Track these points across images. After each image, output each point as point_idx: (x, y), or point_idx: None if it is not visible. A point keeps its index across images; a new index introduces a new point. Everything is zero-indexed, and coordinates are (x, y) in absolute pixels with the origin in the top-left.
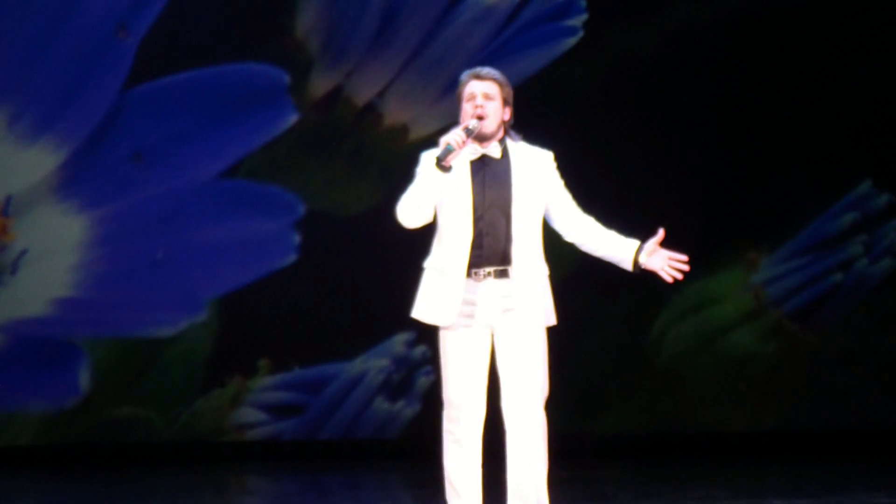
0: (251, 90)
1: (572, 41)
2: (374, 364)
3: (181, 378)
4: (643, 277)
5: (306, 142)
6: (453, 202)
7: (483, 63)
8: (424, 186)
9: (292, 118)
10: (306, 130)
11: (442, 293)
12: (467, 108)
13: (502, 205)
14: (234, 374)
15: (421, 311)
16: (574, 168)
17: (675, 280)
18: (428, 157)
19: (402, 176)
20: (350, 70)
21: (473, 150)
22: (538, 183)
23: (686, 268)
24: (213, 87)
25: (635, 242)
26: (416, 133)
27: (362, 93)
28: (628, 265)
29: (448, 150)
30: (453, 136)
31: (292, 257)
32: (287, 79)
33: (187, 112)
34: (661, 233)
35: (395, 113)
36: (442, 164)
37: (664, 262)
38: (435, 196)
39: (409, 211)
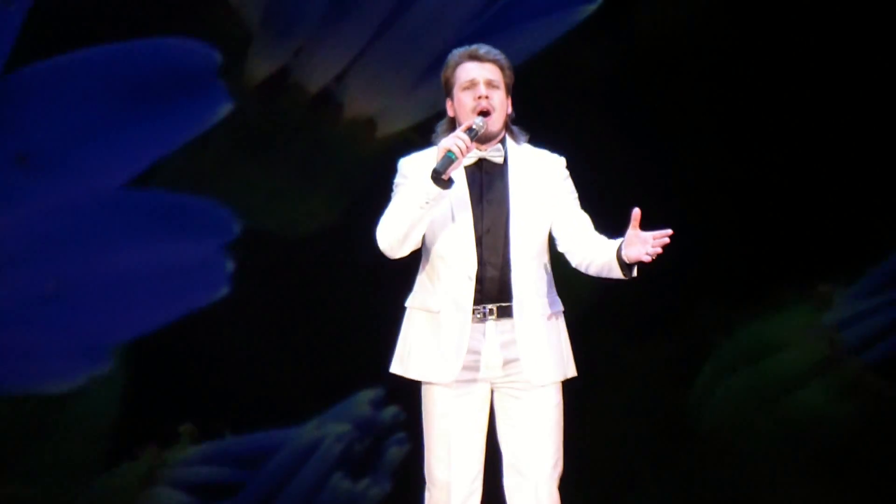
0: (171, 73)
1: (588, 9)
2: (330, 430)
3: (78, 448)
4: (683, 317)
5: (243, 140)
6: (448, 222)
7: (471, 40)
8: (416, 207)
9: (224, 109)
10: (243, 125)
11: (439, 340)
12: (466, 101)
13: (501, 225)
14: (148, 443)
15: (408, 364)
16: (586, 177)
17: (723, 321)
18: (410, 166)
19: (367, 186)
20: (299, 47)
21: (471, 153)
22: (544, 197)
23: (667, 240)
24: (121, 68)
25: (618, 241)
26: (386, 129)
27: (315, 77)
28: (618, 271)
29: (449, 160)
30: (455, 141)
31: (224, 290)
32: (218, 58)
33: (88, 101)
34: (636, 213)
35: (357, 103)
36: (440, 177)
37: (646, 245)
38: (429, 219)
39: (396, 238)
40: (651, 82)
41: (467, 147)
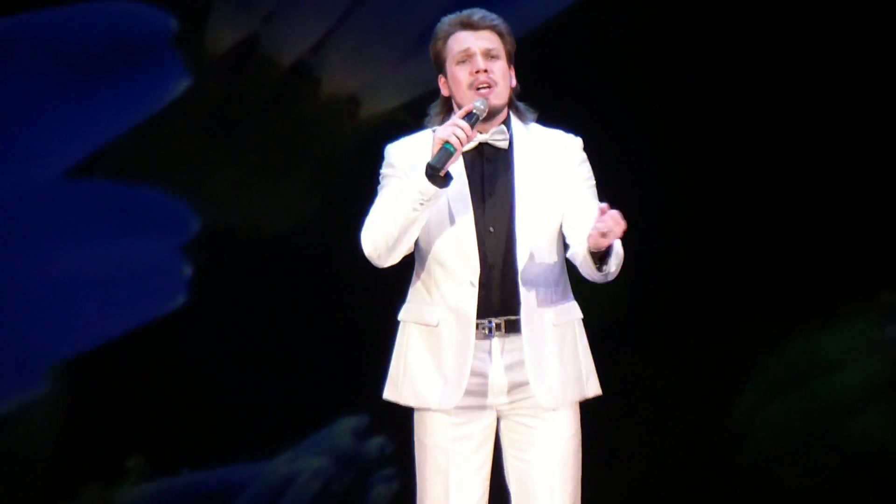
0: (117, 43)
1: None
2: (306, 465)
3: (8, 485)
4: (722, 332)
5: (203, 122)
6: (445, 221)
7: (470, 5)
8: (408, 208)
9: (181, 85)
10: (203, 104)
11: (439, 360)
12: (461, 76)
13: (506, 221)
14: (89, 480)
15: (402, 388)
16: (602, 164)
17: (769, 336)
18: (399, 153)
19: (350, 176)
20: (269, 12)
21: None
22: (557, 186)
23: (618, 221)
24: (60, 37)
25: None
26: (371, 108)
27: (288, 47)
28: (591, 264)
29: (448, 153)
30: (453, 130)
31: (180, 299)
32: (173, 25)
33: (20, 76)
34: (603, 207)
35: (338, 78)
36: (437, 174)
37: (611, 225)
38: (423, 221)
39: (385, 244)
40: (682, 54)
41: (467, 136)
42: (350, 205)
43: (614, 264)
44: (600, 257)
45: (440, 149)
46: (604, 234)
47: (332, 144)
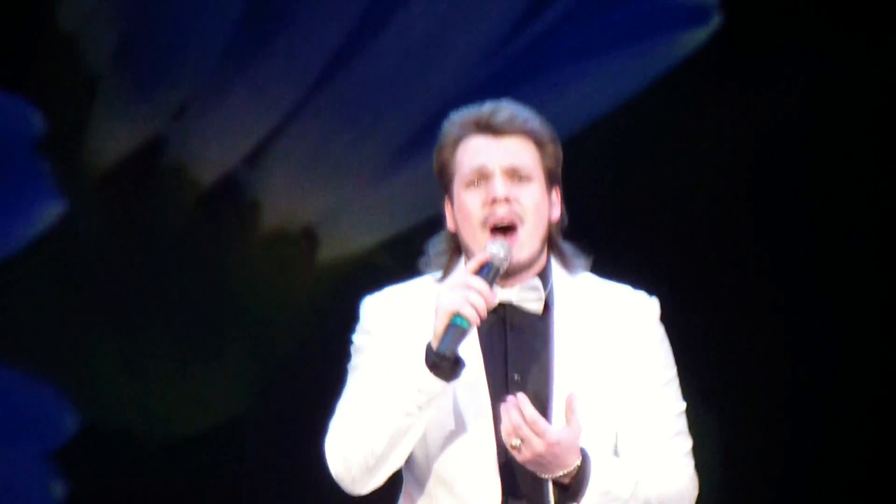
0: None
1: (698, 35)
2: None
3: None
4: None
5: (83, 270)
6: (450, 425)
7: (490, 92)
8: (401, 411)
9: (51, 213)
10: (82, 242)
11: None
12: (471, 206)
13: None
14: None
15: None
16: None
17: None
18: (379, 316)
19: (301, 350)
20: (181, 104)
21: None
22: (618, 377)
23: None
24: None
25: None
26: (333, 247)
27: (210, 156)
28: None
29: (459, 332)
30: (466, 297)
31: None
32: (39, 123)
33: None
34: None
35: (284, 202)
36: (445, 363)
37: (511, 432)
38: (421, 429)
39: (364, 463)
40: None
41: (487, 303)
42: (303, 396)
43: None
44: (563, 487)
45: (447, 326)
46: (513, 447)
47: (275, 303)
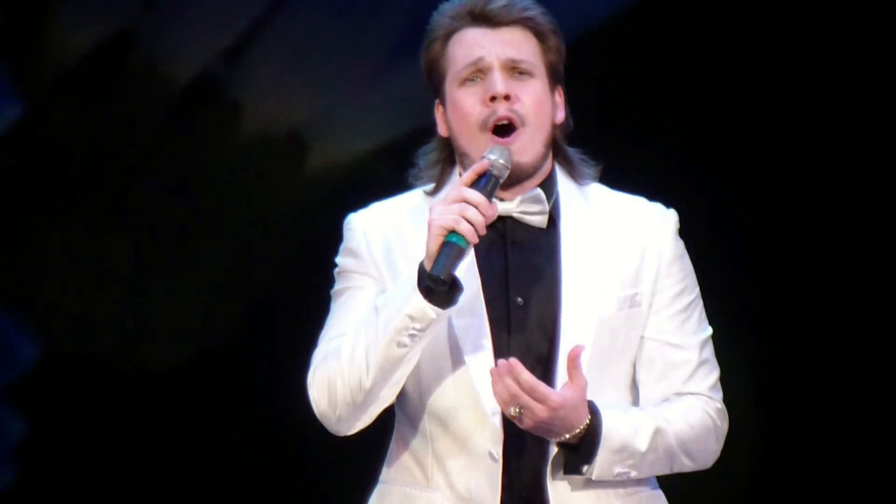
0: None
1: None
2: None
3: None
4: None
5: (44, 175)
6: (447, 355)
7: None
8: (391, 341)
9: (7, 115)
10: (44, 146)
11: None
12: (466, 104)
13: (543, 354)
14: None
15: None
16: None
17: None
18: (366, 234)
19: (285, 266)
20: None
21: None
22: (632, 296)
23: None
24: None
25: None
26: (323, 153)
27: (185, 50)
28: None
29: (455, 251)
30: (460, 211)
31: (6, 474)
32: None
33: None
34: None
35: (267, 103)
36: (440, 286)
37: (506, 398)
38: (414, 360)
39: (351, 398)
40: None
41: (485, 217)
42: (288, 324)
43: (611, 462)
44: (571, 448)
45: (441, 245)
46: (512, 416)
47: (257, 217)
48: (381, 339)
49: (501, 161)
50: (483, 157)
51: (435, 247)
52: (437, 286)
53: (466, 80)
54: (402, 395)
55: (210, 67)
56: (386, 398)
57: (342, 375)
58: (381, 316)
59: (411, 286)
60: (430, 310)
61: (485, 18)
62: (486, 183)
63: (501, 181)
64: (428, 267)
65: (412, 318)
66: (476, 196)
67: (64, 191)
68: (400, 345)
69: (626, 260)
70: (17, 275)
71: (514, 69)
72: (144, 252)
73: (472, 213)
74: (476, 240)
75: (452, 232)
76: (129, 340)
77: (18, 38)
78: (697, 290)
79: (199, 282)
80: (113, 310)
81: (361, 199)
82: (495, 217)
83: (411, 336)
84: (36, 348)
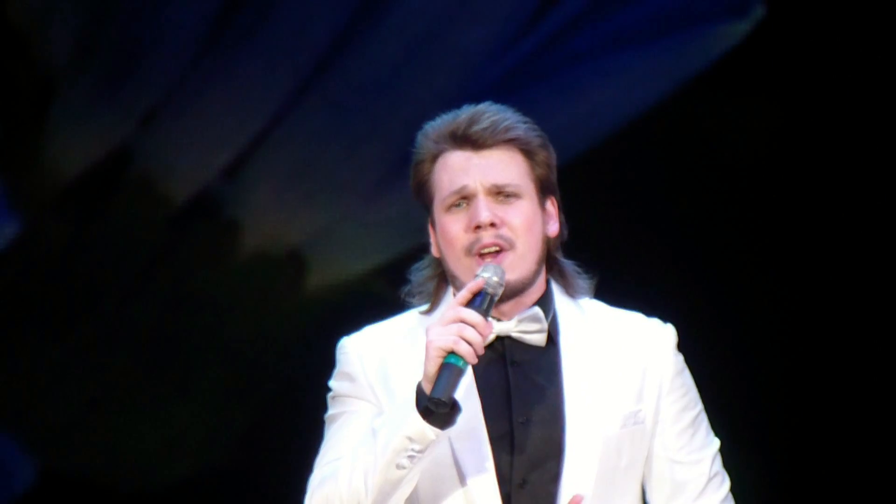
0: None
1: (739, 28)
2: None
3: None
4: None
5: (38, 296)
6: (448, 475)
7: (508, 94)
8: (390, 463)
9: (4, 232)
10: (39, 265)
11: None
12: (452, 230)
13: (548, 470)
14: None
15: None
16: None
17: None
18: (363, 359)
19: (284, 390)
20: (149, 109)
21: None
22: (638, 416)
23: None
24: None
25: None
26: (324, 273)
27: (184, 168)
28: None
29: (454, 372)
30: (459, 332)
31: None
32: None
33: None
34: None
35: (267, 221)
36: (440, 408)
37: None
38: (414, 481)
39: None
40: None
41: (483, 336)
42: (288, 444)
43: None
44: None
45: (439, 368)
46: None
47: (257, 336)
48: (380, 462)
49: (496, 279)
50: (477, 276)
51: (434, 369)
52: (439, 408)
53: (452, 206)
54: None
55: (208, 185)
56: None
57: (341, 499)
58: (380, 438)
59: (409, 407)
60: (430, 431)
61: (468, 141)
62: (482, 301)
63: (497, 299)
64: (427, 388)
65: (411, 440)
66: (473, 316)
67: (61, 308)
68: (399, 466)
69: (627, 377)
70: (13, 393)
71: (500, 193)
72: (142, 371)
73: (471, 334)
74: (475, 360)
75: (451, 353)
76: (127, 460)
77: (15, 155)
78: (700, 403)
79: (197, 401)
80: (110, 429)
81: (364, 317)
82: (493, 336)
83: (410, 457)
84: (33, 468)
